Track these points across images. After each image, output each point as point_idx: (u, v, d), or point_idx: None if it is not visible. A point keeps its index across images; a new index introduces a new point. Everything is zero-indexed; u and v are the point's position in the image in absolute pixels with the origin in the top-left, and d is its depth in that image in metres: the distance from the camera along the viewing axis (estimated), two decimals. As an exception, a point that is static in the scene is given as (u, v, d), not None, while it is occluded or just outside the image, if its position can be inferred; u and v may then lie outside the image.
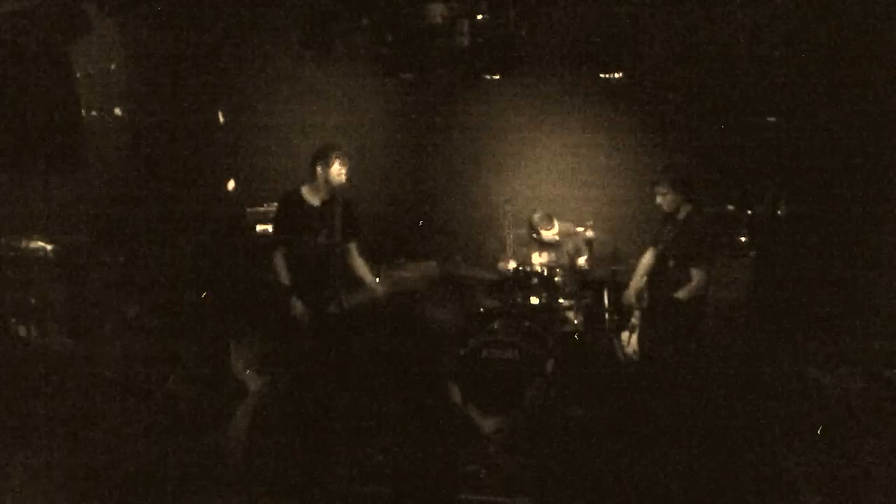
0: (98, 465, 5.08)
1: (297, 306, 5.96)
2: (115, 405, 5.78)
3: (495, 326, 6.40)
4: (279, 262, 6.03)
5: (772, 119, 7.25)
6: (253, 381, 4.50)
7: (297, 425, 4.40)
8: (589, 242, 6.60)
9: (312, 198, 6.04)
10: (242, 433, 4.28)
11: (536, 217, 6.88)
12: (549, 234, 6.86)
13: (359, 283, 6.20)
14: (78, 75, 6.78)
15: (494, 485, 5.00)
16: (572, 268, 6.74)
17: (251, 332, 4.56)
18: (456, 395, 5.49)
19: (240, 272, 7.19)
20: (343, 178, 5.98)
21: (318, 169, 5.98)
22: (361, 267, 6.23)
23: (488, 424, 5.55)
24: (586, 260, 6.64)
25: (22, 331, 6.37)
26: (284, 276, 6.01)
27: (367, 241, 6.38)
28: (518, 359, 6.02)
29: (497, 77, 6.90)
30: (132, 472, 5.04)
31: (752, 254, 6.87)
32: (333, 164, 5.94)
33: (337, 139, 6.19)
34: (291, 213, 6.07)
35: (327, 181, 5.97)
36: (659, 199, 6.06)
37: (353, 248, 6.23)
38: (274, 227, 6.20)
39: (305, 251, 6.03)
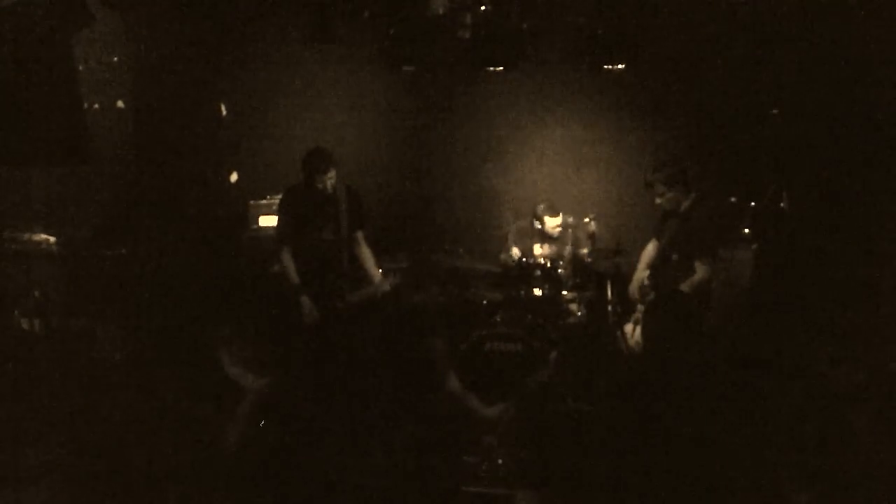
0: (99, 460, 5.09)
1: (307, 305, 5.95)
2: (116, 400, 5.78)
3: (498, 319, 6.41)
4: (287, 260, 6.01)
5: (775, 111, 7.25)
6: (249, 381, 4.48)
7: (298, 421, 4.41)
8: (591, 235, 6.60)
9: (311, 195, 6.01)
10: (242, 431, 4.28)
11: (541, 207, 6.88)
12: (553, 225, 6.86)
13: (364, 277, 6.19)
14: (80, 68, 6.77)
15: (496, 477, 5.00)
16: (575, 260, 6.74)
17: (247, 331, 4.54)
18: (454, 383, 5.48)
19: (242, 266, 7.22)
20: (329, 182, 5.93)
21: (305, 175, 5.97)
22: (369, 259, 6.21)
23: (489, 413, 5.56)
24: (589, 252, 6.64)
25: (25, 324, 6.38)
26: (293, 275, 5.99)
27: (371, 234, 6.39)
28: (521, 351, 6.03)
29: (500, 69, 6.88)
30: (133, 466, 5.05)
31: (755, 246, 6.86)
32: (316, 172, 5.90)
33: (318, 145, 6.12)
34: (293, 210, 6.06)
35: (316, 186, 5.94)
36: (658, 200, 6.03)
37: (360, 237, 6.21)
38: (278, 225, 6.19)
39: (309, 248, 6.03)
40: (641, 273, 6.25)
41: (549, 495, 4.77)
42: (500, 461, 5.12)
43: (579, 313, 6.54)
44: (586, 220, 6.65)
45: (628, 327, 6.20)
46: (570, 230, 6.93)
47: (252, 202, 7.46)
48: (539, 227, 6.91)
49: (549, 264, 6.59)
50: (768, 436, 5.26)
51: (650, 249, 6.34)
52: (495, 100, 7.90)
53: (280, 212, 6.16)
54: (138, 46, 7.43)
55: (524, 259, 6.67)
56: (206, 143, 7.75)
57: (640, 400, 5.46)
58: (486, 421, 5.50)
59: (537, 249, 6.91)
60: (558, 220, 6.87)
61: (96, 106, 7.10)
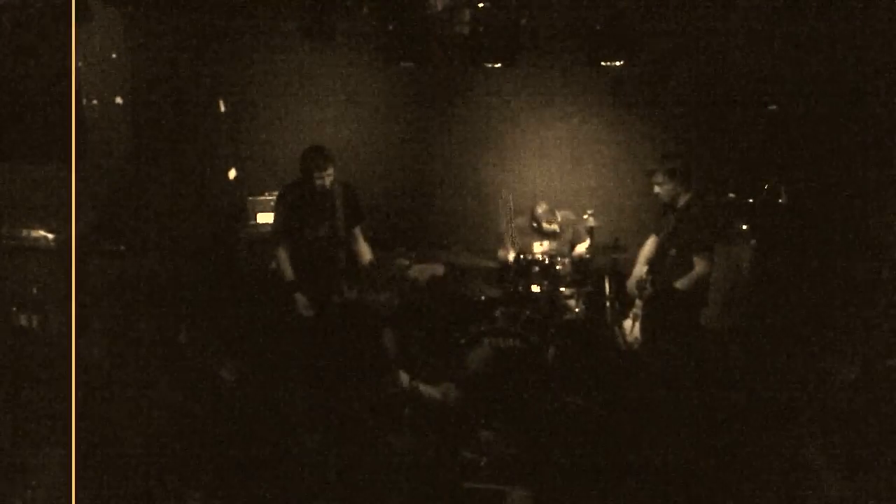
0: (97, 457, 5.09)
1: (302, 302, 5.96)
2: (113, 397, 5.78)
3: (496, 315, 6.41)
4: (282, 257, 6.02)
5: (773, 107, 7.25)
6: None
7: (293, 417, 4.43)
8: (590, 231, 6.60)
9: (308, 193, 6.01)
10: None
11: (540, 210, 6.86)
12: (550, 228, 6.86)
13: (362, 273, 6.18)
14: (79, 64, 6.75)
15: (494, 474, 5.00)
16: (574, 256, 6.74)
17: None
18: (403, 379, 5.51)
19: (240, 263, 7.22)
20: (327, 180, 5.92)
21: (303, 173, 5.96)
22: (367, 255, 6.22)
23: (433, 394, 5.57)
24: (587, 248, 6.64)
25: (23, 321, 6.37)
26: (288, 272, 6.00)
27: (368, 230, 6.39)
28: (519, 347, 6.03)
29: (498, 65, 6.88)
30: (131, 463, 5.05)
31: (753, 242, 6.87)
32: (314, 170, 5.89)
33: (316, 143, 6.11)
34: (290, 208, 6.06)
35: (314, 183, 5.93)
36: (657, 190, 6.05)
37: (357, 233, 6.22)
38: (274, 222, 6.19)
39: (307, 245, 6.03)
40: (640, 269, 6.25)
41: (546, 491, 4.77)
42: (499, 457, 5.12)
43: (577, 309, 6.54)
44: (585, 216, 6.66)
45: (626, 323, 6.20)
46: (569, 226, 6.92)
47: (250, 198, 7.47)
48: (537, 225, 6.91)
49: (547, 260, 6.58)
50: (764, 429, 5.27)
51: (648, 246, 6.34)
52: (494, 96, 7.89)
53: (277, 209, 6.16)
54: (137, 43, 7.41)
55: (522, 256, 6.67)
56: (204, 140, 7.75)
57: (638, 395, 5.48)
58: (433, 402, 5.49)
59: (536, 247, 6.90)
60: (555, 224, 6.85)
61: (94, 102, 7.08)
